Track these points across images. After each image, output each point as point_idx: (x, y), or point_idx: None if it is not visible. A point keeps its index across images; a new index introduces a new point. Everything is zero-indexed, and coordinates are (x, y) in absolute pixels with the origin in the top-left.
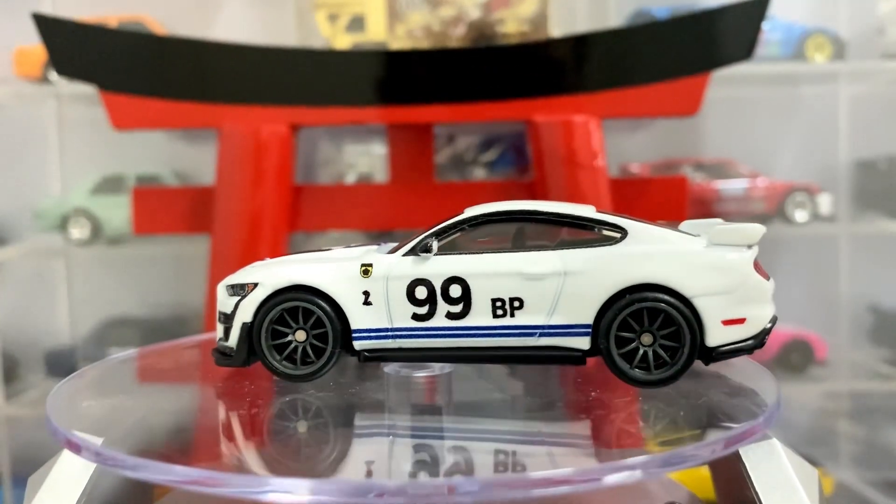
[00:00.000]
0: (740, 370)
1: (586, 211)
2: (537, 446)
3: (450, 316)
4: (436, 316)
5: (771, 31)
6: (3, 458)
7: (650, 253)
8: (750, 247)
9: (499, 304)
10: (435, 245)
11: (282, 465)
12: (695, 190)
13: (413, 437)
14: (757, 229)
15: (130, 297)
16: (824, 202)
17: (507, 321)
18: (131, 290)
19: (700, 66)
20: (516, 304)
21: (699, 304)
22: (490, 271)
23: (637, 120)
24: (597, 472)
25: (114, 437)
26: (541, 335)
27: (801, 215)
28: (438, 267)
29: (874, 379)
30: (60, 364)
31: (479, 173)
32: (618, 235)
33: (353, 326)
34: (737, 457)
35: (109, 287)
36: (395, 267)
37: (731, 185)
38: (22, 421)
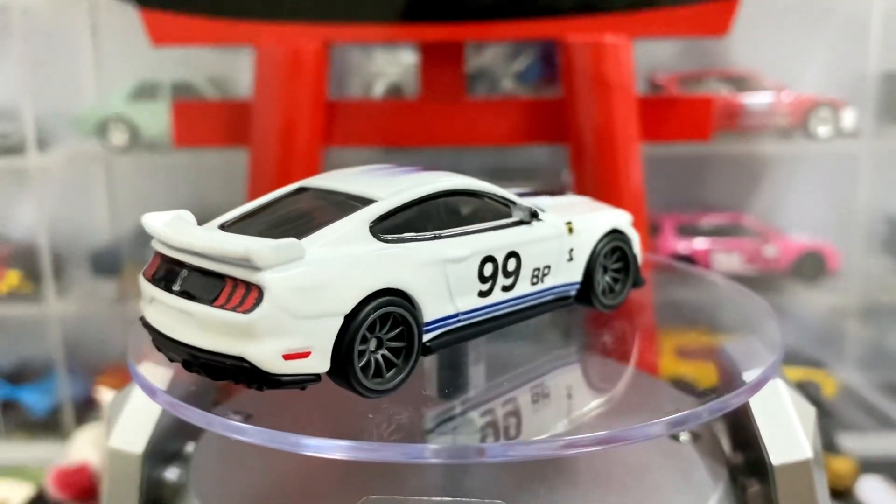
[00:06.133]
0: (741, 307)
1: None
2: (557, 406)
3: None
4: None
5: None
6: (59, 351)
7: None
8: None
9: None
10: None
11: (316, 423)
12: (720, 103)
13: (443, 398)
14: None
15: (170, 200)
16: (848, 117)
17: None
18: (171, 194)
19: None
20: None
21: None
22: None
23: None
24: (618, 436)
25: (176, 386)
26: None
27: (824, 131)
28: None
29: (886, 288)
30: (105, 262)
31: (508, 84)
32: None
33: None
34: None
35: (149, 190)
36: None
37: (756, 99)
38: (72, 317)
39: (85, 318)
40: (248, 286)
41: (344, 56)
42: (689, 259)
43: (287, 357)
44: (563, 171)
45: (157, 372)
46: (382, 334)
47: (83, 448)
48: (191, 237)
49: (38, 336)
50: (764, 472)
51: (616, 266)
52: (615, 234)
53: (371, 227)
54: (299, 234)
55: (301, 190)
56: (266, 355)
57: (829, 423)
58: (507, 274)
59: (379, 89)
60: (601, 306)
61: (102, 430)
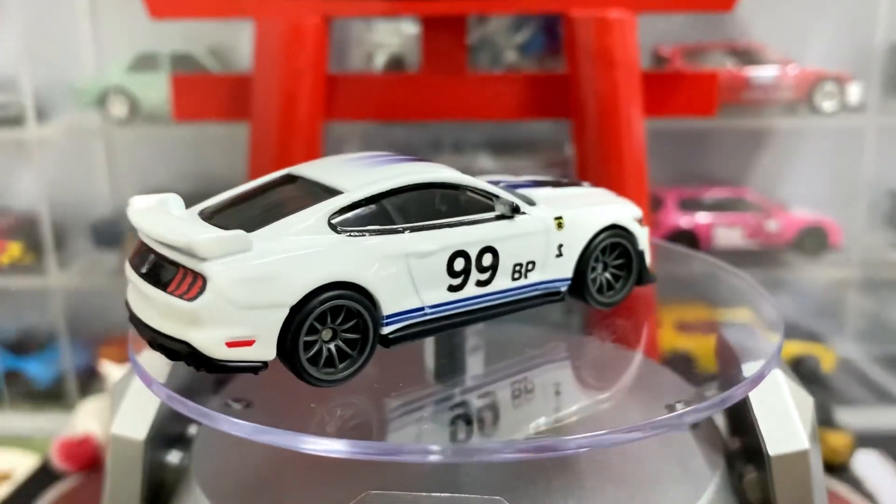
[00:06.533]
0: (741, 291)
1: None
2: (555, 402)
3: None
4: None
5: None
6: (61, 322)
7: None
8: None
9: None
10: None
11: (317, 411)
12: (725, 77)
13: (444, 396)
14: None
15: (171, 172)
16: (854, 91)
17: None
18: (171, 166)
19: None
20: None
21: None
22: None
23: None
24: (622, 434)
25: (174, 377)
26: None
27: (829, 105)
28: None
29: (887, 262)
30: (106, 234)
31: (510, 55)
32: None
33: None
34: None
35: (149, 162)
36: None
37: (761, 73)
38: (74, 288)
39: (87, 289)
40: (195, 275)
41: (345, 26)
42: (690, 233)
43: (230, 345)
44: (566, 145)
45: (157, 361)
46: (336, 325)
47: (87, 420)
48: (151, 224)
49: (41, 307)
50: (760, 460)
51: (617, 263)
52: (615, 229)
53: (330, 220)
54: (259, 225)
55: (288, 177)
56: (209, 342)
57: (826, 397)
58: (482, 269)
59: (380, 60)
60: (595, 304)
61: (106, 403)
